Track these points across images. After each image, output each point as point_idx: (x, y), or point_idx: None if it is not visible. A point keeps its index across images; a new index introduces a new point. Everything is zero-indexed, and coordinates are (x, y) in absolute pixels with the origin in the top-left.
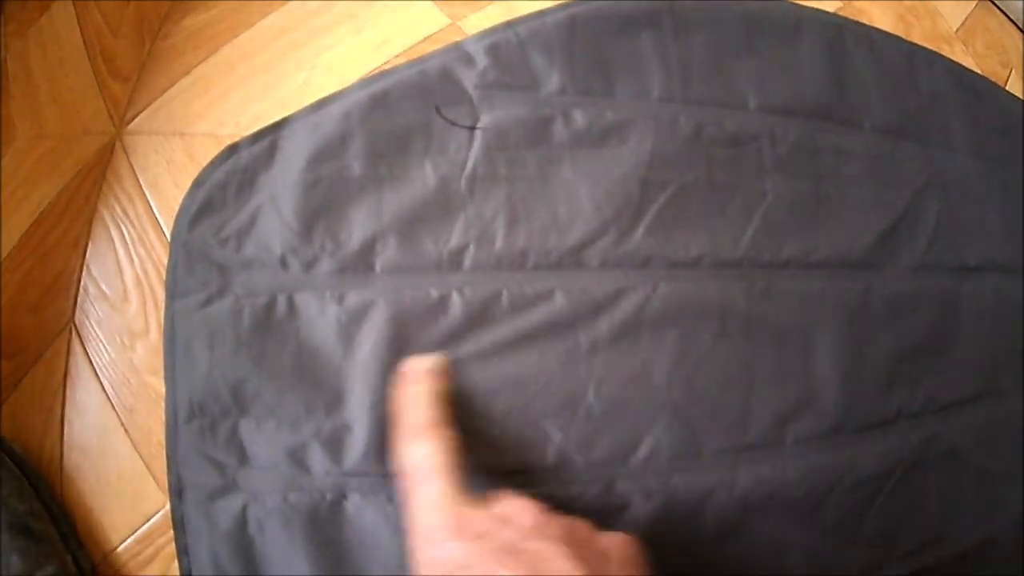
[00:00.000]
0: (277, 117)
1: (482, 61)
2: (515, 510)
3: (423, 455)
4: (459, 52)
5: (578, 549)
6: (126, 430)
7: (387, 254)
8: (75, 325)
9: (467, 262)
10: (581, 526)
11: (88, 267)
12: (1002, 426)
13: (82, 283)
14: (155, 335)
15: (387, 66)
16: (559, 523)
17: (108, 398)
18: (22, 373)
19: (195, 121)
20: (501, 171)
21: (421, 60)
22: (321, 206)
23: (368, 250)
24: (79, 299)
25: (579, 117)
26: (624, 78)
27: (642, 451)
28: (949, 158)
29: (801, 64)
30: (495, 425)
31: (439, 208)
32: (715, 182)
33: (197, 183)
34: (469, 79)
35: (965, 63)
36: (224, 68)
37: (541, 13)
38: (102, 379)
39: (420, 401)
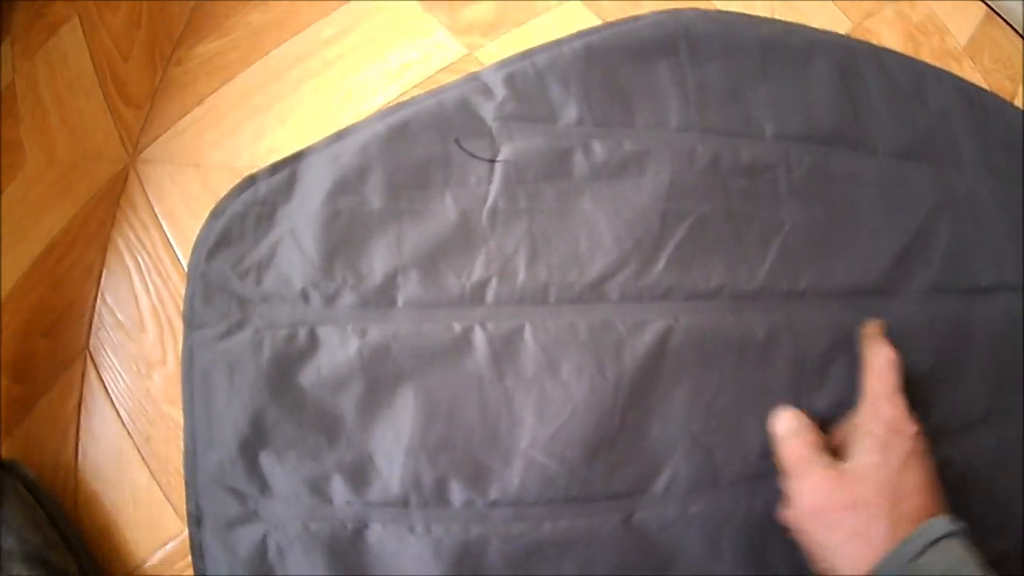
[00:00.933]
0: (293, 148)
1: (500, 92)
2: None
3: (886, 355)
4: (477, 83)
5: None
6: (143, 458)
7: (409, 288)
8: (90, 352)
9: (489, 296)
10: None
11: (103, 295)
12: (1010, 445)
13: (97, 311)
14: (172, 365)
15: (404, 96)
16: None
17: (124, 426)
18: (36, 398)
19: (210, 151)
20: (522, 204)
21: (439, 91)
22: (341, 239)
23: (389, 284)
24: (94, 327)
25: (598, 148)
26: (642, 107)
27: (662, 480)
28: (959, 177)
29: (815, 89)
30: (518, 457)
31: (460, 242)
32: (732, 212)
33: (215, 214)
34: (488, 110)
35: (973, 79)
36: (238, 97)
37: (558, 42)
38: (118, 407)
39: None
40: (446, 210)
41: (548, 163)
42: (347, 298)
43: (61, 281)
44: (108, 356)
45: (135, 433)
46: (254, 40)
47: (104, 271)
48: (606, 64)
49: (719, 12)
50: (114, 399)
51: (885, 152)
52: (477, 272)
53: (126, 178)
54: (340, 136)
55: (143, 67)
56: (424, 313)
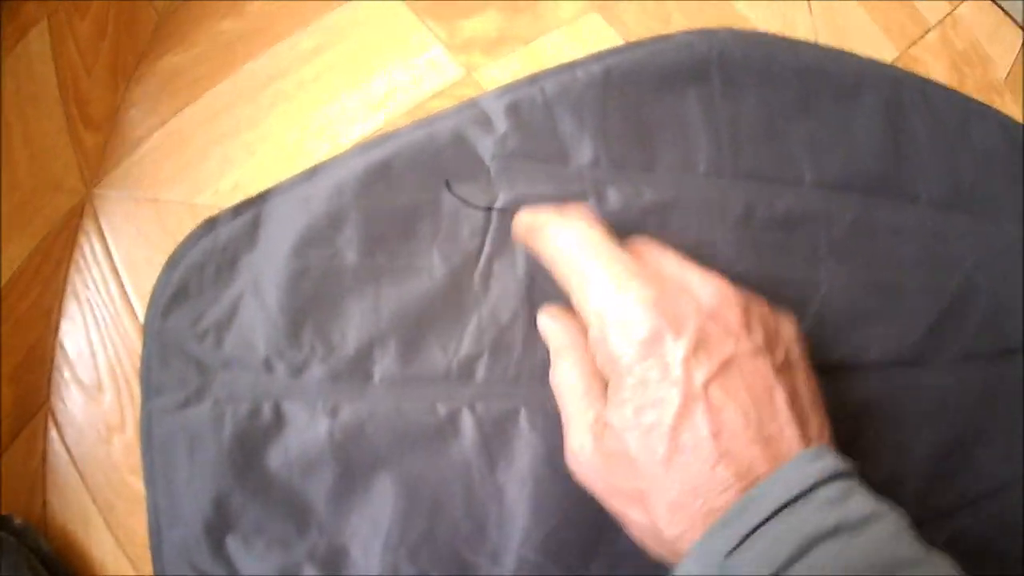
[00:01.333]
0: (261, 184)
1: (501, 124)
2: (711, 292)
3: (574, 232)
4: (475, 111)
5: (771, 346)
6: (108, 527)
7: (387, 362)
8: (51, 408)
9: (480, 373)
10: (762, 309)
11: (62, 344)
12: (1012, 506)
13: (56, 362)
14: (132, 431)
15: (390, 126)
16: (757, 312)
17: (88, 491)
18: (2, 448)
19: (169, 184)
20: (520, 264)
21: (430, 120)
22: (310, 300)
23: (365, 356)
24: (54, 379)
25: (613, 197)
26: (666, 147)
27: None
28: (996, 229)
29: (858, 128)
30: (509, 555)
31: (449, 307)
32: (765, 274)
33: (171, 263)
34: (485, 147)
35: (1014, 113)
36: (203, 120)
37: (571, 66)
38: (81, 471)
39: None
40: (433, 268)
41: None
42: (316, 371)
43: (21, 323)
44: (69, 414)
45: (99, 500)
46: (224, 53)
47: (61, 319)
48: (627, 93)
49: (757, 33)
50: (76, 462)
51: (927, 201)
52: (467, 345)
53: (82, 212)
54: (312, 174)
55: (105, 82)
56: (404, 391)
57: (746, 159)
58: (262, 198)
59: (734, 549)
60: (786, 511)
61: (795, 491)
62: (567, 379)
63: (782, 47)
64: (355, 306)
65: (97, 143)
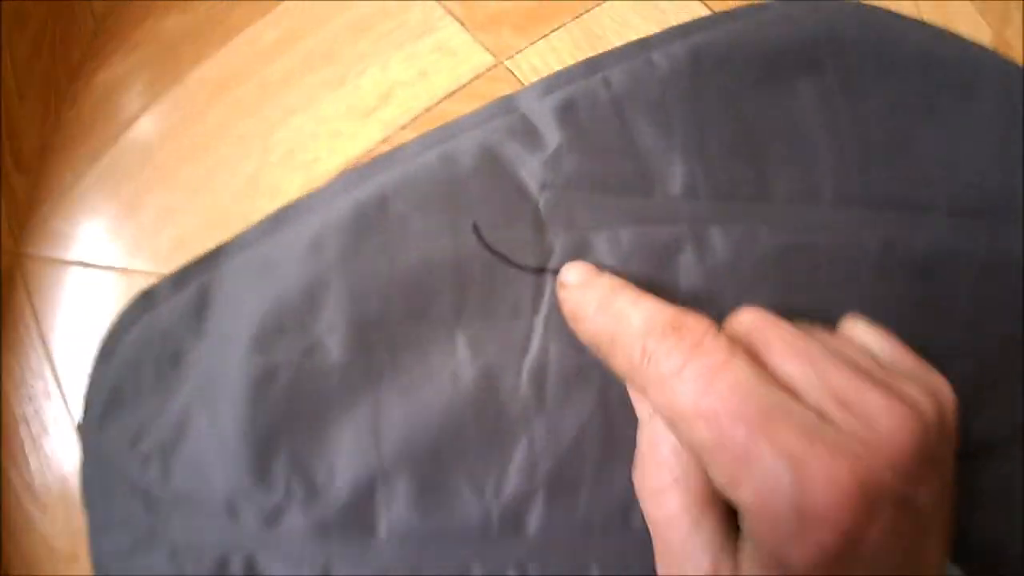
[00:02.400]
0: (209, 242)
1: (553, 136)
2: (900, 437)
3: (649, 312)
4: (511, 117)
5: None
6: None
7: (396, 509)
8: (3, 525)
9: (533, 523)
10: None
11: (7, 446)
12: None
13: (3, 466)
14: (86, 567)
15: (387, 145)
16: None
17: None
18: None
19: (101, 241)
20: (589, 354)
21: (446, 132)
22: (281, 418)
23: (364, 501)
24: (2, 486)
25: (720, 241)
26: (782, 166)
27: None
28: None
29: (979, 136)
30: None
31: (484, 426)
32: (905, 332)
33: (103, 355)
34: (531, 170)
35: None
36: (140, 152)
37: (644, 46)
38: None
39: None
40: (458, 366)
41: (637, 272)
42: (296, 520)
43: None
44: (17, 536)
45: None
46: (166, 57)
47: (1, 416)
48: (724, 87)
49: (866, 4)
50: None
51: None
52: (513, 481)
53: (12, 282)
54: (276, 224)
55: (36, 108)
56: (423, 551)
57: (879, 181)
58: (209, 263)
59: None
60: None
61: None
62: (666, 511)
63: (896, 25)
64: (345, 427)
65: (26, 188)
